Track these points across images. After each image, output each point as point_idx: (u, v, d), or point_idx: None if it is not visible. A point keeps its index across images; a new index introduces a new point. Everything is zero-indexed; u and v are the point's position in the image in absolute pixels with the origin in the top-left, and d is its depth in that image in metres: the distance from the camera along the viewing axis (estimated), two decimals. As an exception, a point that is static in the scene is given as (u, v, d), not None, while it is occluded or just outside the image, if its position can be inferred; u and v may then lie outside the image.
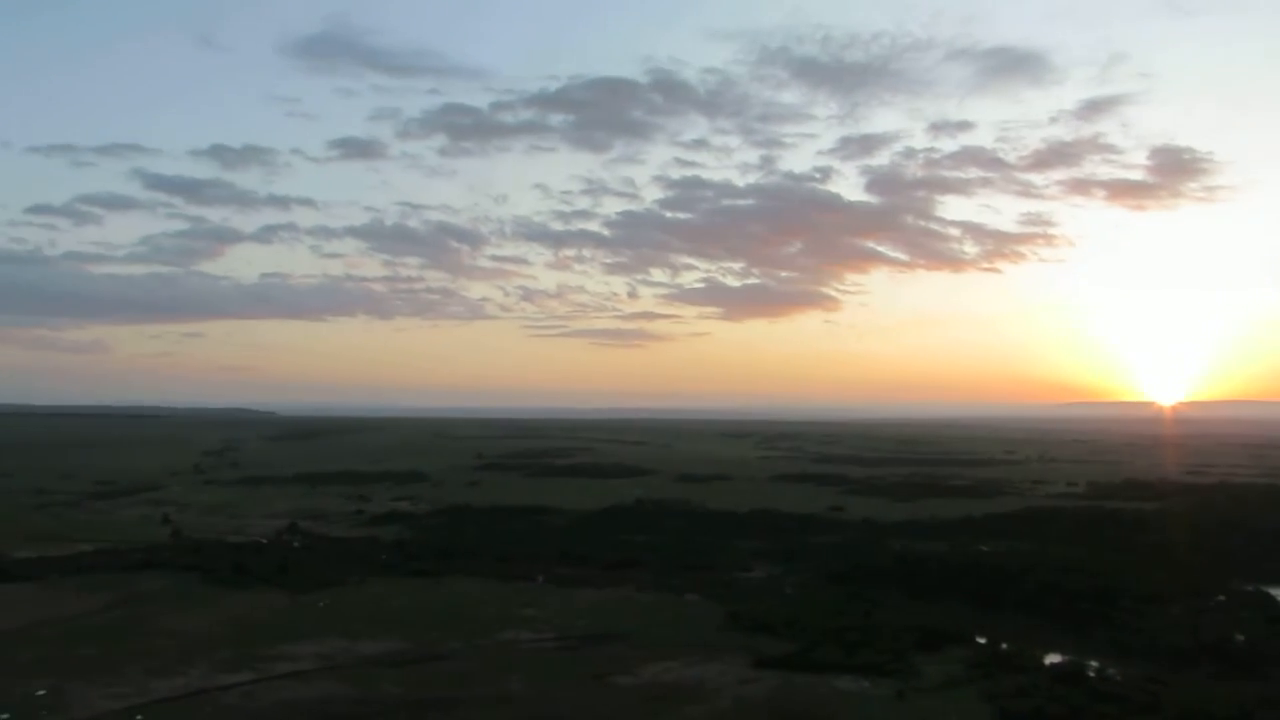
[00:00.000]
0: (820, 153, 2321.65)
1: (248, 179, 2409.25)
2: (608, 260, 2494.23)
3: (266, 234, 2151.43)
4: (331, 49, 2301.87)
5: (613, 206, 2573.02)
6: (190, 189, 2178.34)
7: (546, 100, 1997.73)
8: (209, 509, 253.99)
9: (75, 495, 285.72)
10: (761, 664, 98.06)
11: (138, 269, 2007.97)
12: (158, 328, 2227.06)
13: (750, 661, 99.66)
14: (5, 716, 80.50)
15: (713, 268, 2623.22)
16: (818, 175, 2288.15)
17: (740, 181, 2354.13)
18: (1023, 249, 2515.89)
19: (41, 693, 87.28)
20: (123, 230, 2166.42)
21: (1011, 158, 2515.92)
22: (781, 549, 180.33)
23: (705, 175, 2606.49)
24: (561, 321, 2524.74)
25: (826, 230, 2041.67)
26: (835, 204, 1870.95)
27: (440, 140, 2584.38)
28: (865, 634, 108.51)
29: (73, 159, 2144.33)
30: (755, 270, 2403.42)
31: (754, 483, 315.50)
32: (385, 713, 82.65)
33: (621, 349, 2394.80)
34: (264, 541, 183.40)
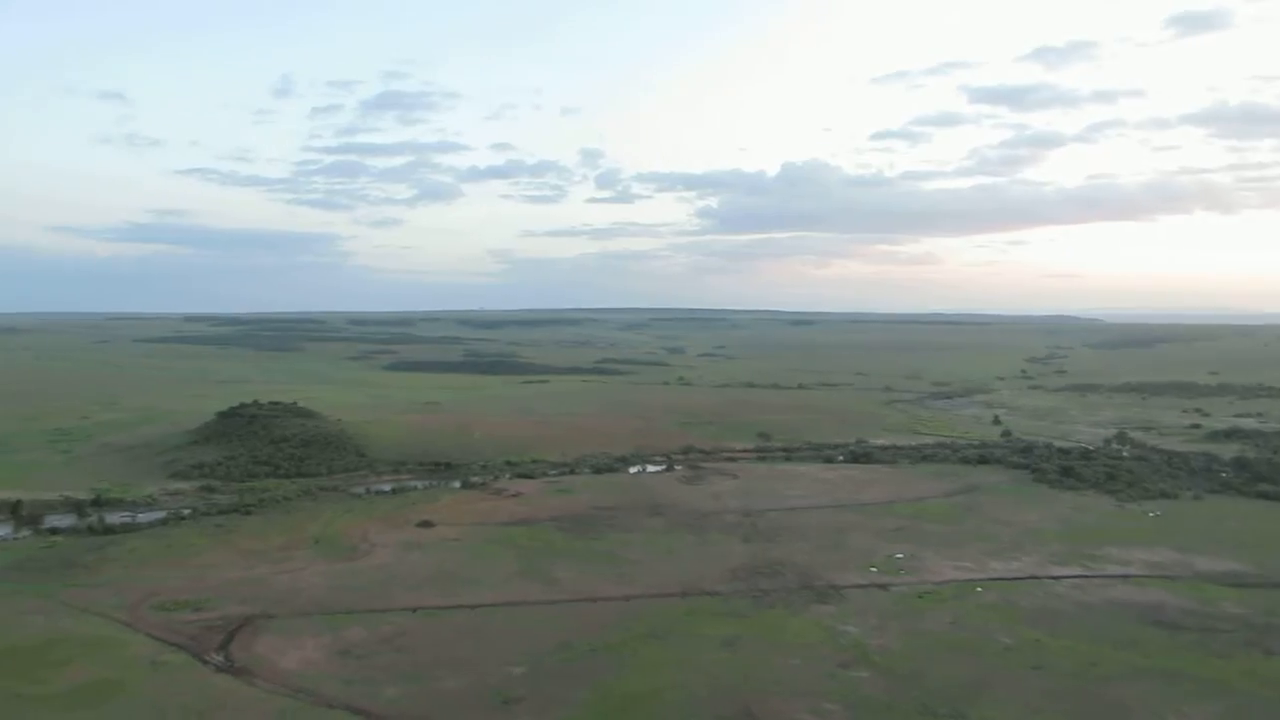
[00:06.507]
0: None
1: (1071, 77, 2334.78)
2: None
3: (1091, 133, 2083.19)
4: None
5: None
6: (1013, 97, 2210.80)
7: None
8: (1035, 413, 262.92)
9: (917, 394, 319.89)
10: None
11: (964, 182, 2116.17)
12: (983, 238, 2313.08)
13: None
14: (874, 569, 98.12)
15: None
16: None
17: None
18: None
19: (899, 556, 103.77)
20: (950, 146, 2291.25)
21: None
22: None
23: None
24: None
25: None
26: None
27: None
28: None
29: (907, 83, 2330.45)
30: None
31: None
32: (1222, 630, 79.80)
33: None
34: (1090, 448, 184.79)
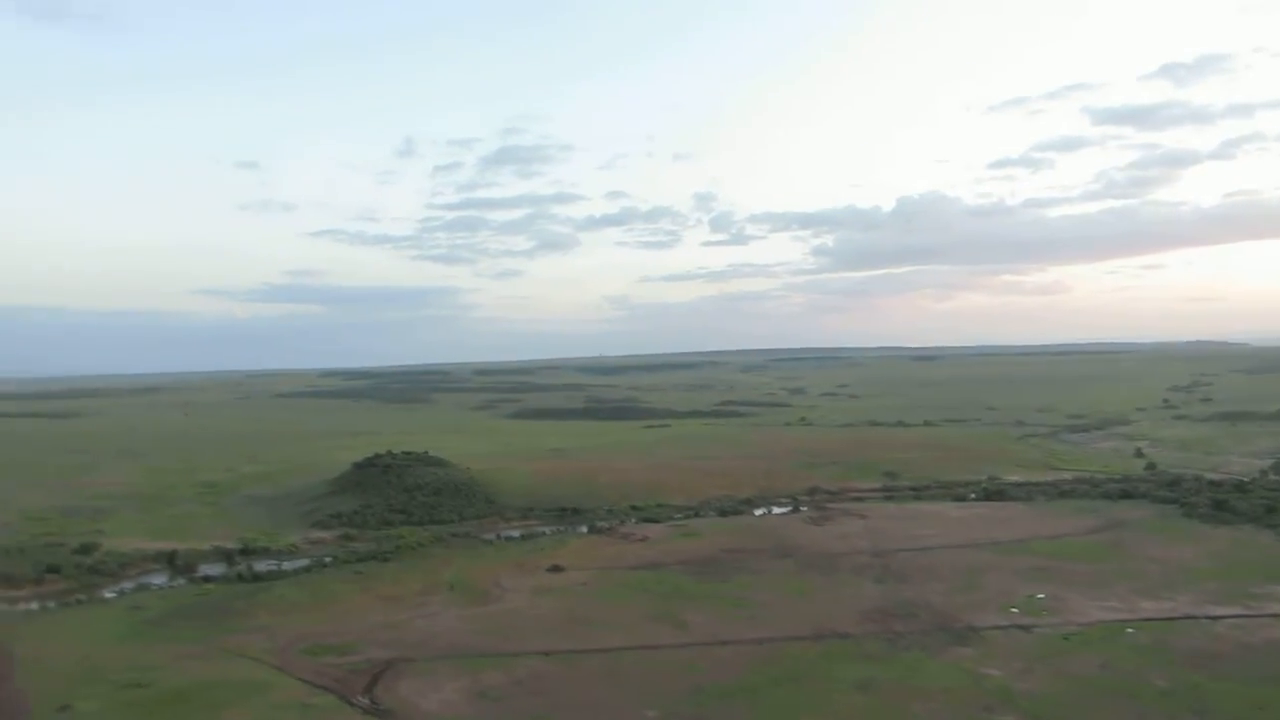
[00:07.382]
0: None
1: (1202, 93, 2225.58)
2: None
3: (1227, 149, 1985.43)
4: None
5: None
6: (1140, 116, 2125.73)
7: None
8: (1181, 444, 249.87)
9: (1051, 427, 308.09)
10: None
11: (1091, 207, 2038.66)
12: (1114, 263, 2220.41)
13: None
14: (1014, 610, 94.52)
15: None
16: None
17: None
18: None
19: (1041, 596, 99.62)
20: (1075, 170, 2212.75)
21: None
22: None
23: None
24: None
25: None
26: None
27: None
28: None
29: (1026, 109, 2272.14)
30: None
31: None
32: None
33: None
34: (1245, 480, 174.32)
